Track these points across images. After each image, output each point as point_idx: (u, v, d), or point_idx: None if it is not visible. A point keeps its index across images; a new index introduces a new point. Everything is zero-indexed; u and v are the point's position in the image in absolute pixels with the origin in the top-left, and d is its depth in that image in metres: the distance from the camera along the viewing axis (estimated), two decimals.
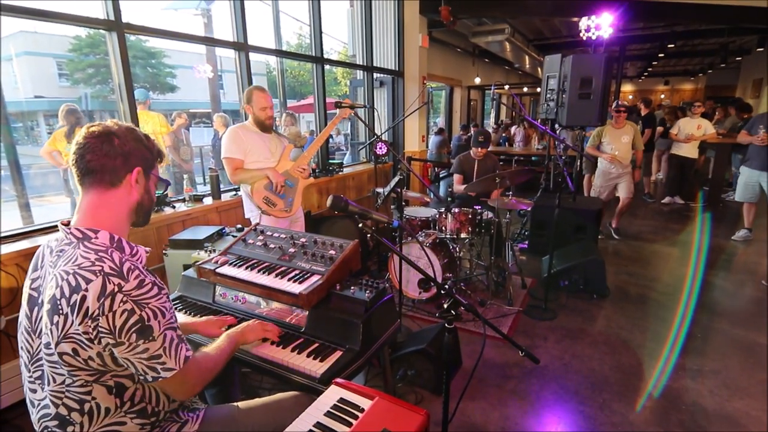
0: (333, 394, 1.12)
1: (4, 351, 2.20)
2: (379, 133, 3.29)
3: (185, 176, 5.44)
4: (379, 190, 3.49)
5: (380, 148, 4.16)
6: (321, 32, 4.59)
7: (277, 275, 1.66)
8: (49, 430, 1.03)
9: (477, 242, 3.75)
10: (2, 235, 2.35)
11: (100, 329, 0.93)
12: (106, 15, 2.67)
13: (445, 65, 9.26)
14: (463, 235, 3.31)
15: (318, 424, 1.02)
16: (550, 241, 3.45)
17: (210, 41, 5.28)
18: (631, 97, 19.84)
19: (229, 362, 1.26)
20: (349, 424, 1.01)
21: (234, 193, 3.50)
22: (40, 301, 1.03)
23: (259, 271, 1.70)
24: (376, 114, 4.55)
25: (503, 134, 10.47)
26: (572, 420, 2.14)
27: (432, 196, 5.32)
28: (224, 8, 3.67)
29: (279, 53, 4.72)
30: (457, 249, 3.45)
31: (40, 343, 1.01)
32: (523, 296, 3.46)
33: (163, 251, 2.61)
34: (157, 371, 0.99)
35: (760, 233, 4.90)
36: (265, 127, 2.65)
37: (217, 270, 1.73)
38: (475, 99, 12.07)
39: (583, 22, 5.96)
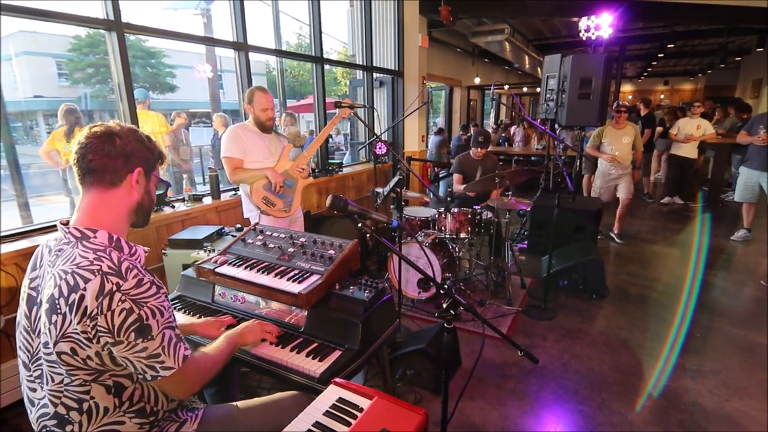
0: (332, 393, 1.12)
1: (3, 350, 2.20)
2: (378, 133, 3.29)
3: (185, 176, 5.45)
4: (379, 190, 3.49)
5: (380, 148, 4.16)
6: (321, 32, 4.59)
7: (276, 275, 1.66)
8: (48, 429, 1.03)
9: (476, 242, 3.75)
10: (1, 234, 2.35)
11: (98, 328, 0.93)
12: (105, 15, 2.67)
13: (445, 65, 9.27)
14: (462, 235, 3.31)
15: (317, 424, 1.02)
16: (549, 241, 3.46)
17: (210, 41, 5.28)
18: (630, 97, 19.85)
19: (228, 362, 1.25)
20: (348, 424, 1.01)
21: (233, 192, 3.50)
22: (38, 300, 1.03)
23: (258, 270, 1.70)
24: (375, 114, 4.55)
25: (503, 134, 10.48)
26: (571, 420, 2.14)
27: (431, 196, 5.32)
28: (224, 8, 3.68)
29: (279, 53, 4.73)
30: (457, 249, 3.45)
31: (40, 342, 1.01)
32: (522, 296, 3.47)
33: (163, 251, 2.61)
34: (156, 370, 0.99)
35: (759, 233, 4.90)
36: (265, 127, 2.65)
37: (217, 270, 1.73)
38: (475, 99, 12.08)
39: (583, 22, 5.96)
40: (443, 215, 3.35)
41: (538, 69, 11.41)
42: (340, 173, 4.73)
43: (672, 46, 11.24)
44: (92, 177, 1.05)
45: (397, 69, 5.73)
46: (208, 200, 3.31)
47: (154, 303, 0.99)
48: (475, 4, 6.06)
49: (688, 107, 6.71)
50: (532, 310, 3.23)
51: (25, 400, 1.09)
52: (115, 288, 0.94)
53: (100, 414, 1.02)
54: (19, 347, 1.08)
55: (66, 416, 1.01)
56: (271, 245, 1.85)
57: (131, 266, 0.99)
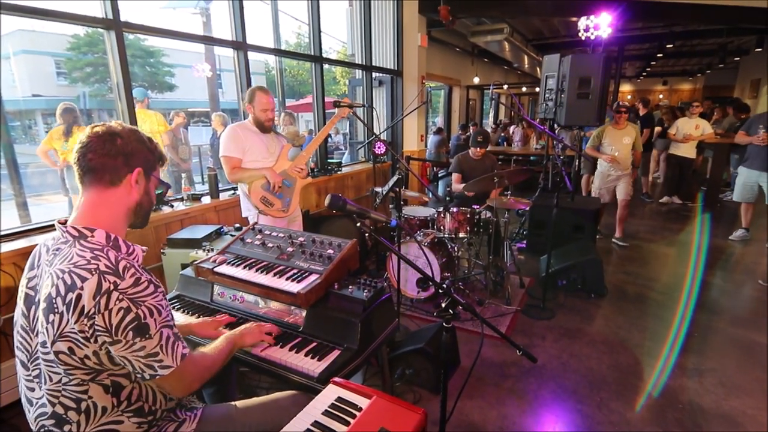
0: (331, 393, 1.12)
1: (1, 350, 2.20)
2: (377, 133, 3.29)
3: (183, 175, 5.44)
4: (378, 189, 3.48)
5: (379, 147, 4.16)
6: (320, 31, 4.58)
7: (275, 274, 1.66)
8: (46, 428, 1.03)
9: (475, 242, 3.75)
10: (0, 234, 2.35)
11: (96, 327, 0.93)
12: (104, 14, 2.66)
13: (444, 65, 9.27)
14: (461, 235, 3.31)
15: (316, 423, 1.02)
16: (548, 241, 3.46)
17: (209, 40, 5.27)
18: (629, 97, 19.89)
19: (227, 362, 1.25)
20: (347, 423, 1.01)
21: (232, 192, 3.49)
22: (36, 299, 1.02)
23: (257, 270, 1.70)
24: (374, 113, 4.55)
25: (502, 134, 10.48)
26: (570, 419, 2.14)
27: (430, 195, 5.32)
28: (223, 7, 3.67)
29: (278, 52, 4.73)
30: (456, 248, 3.45)
31: (37, 342, 1.01)
32: (521, 295, 3.47)
33: (161, 250, 2.60)
34: (154, 369, 0.99)
35: (759, 233, 4.91)
36: (264, 128, 2.65)
37: (215, 269, 1.73)
38: (474, 98, 12.08)
39: (582, 22, 5.97)
40: (442, 215, 3.35)
41: (537, 69, 11.42)
42: (339, 173, 4.73)
43: (671, 46, 11.25)
44: (92, 176, 1.05)
45: (396, 68, 5.73)
46: (206, 200, 3.30)
47: (151, 302, 0.99)
48: (474, 4, 6.06)
49: (686, 107, 6.72)
50: (530, 310, 3.23)
51: (23, 400, 1.09)
52: (112, 287, 0.94)
53: (98, 413, 1.02)
54: (17, 347, 1.08)
55: (64, 416, 1.01)
56: (270, 245, 1.85)
57: (129, 265, 0.99)
